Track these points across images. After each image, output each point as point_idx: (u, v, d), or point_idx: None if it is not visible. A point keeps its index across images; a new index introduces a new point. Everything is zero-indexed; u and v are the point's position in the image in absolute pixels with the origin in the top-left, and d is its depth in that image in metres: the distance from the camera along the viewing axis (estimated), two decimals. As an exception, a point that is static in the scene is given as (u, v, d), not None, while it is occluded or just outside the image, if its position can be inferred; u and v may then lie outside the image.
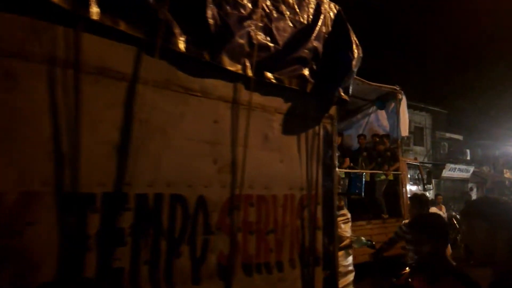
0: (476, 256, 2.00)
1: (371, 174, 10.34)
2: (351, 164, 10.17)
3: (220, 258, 2.70)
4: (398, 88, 10.75)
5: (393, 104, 11.10)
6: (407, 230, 4.69)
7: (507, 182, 31.76)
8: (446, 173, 24.31)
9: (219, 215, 2.72)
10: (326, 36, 3.34)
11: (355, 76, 9.12)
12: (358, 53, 3.35)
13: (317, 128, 3.36)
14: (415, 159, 14.14)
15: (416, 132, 25.34)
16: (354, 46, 3.32)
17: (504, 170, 32.18)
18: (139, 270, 2.36)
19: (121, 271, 2.30)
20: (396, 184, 10.66)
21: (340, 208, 3.90)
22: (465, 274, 2.54)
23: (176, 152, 2.56)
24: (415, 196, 6.03)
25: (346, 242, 4.04)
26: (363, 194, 10.29)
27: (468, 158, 28.70)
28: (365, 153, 10.63)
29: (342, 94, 3.35)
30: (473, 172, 26.82)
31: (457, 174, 25.44)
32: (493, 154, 32.97)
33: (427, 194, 12.53)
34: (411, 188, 11.78)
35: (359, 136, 10.95)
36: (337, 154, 9.69)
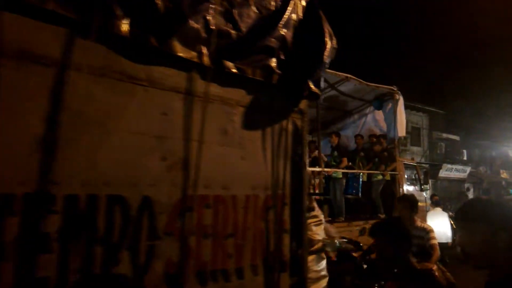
0: (474, 259, 1.85)
1: (368, 174, 9.92)
2: (350, 164, 9.76)
3: (168, 266, 2.30)
4: (395, 89, 10.32)
5: (390, 105, 10.67)
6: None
7: (503, 183, 31.07)
8: (443, 173, 23.70)
9: (168, 218, 2.32)
10: (296, 24, 2.92)
11: (353, 77, 8.84)
12: (332, 44, 2.94)
13: (284, 123, 2.94)
14: (412, 159, 13.66)
15: (413, 132, 24.69)
16: (326, 36, 2.90)
17: (501, 171, 31.46)
18: (68, 279, 1.97)
19: (46, 281, 1.91)
20: (393, 184, 10.23)
21: (311, 209, 3.50)
22: (431, 276, 2.56)
23: (116, 148, 2.17)
24: (405, 197, 5.61)
25: (318, 245, 3.65)
26: (360, 194, 9.89)
27: (465, 158, 27.98)
28: (362, 153, 10.21)
29: (313, 87, 2.92)
30: (470, 172, 26.14)
31: (454, 175, 24.78)
32: (490, 154, 32.23)
33: (424, 194, 12.08)
34: (408, 188, 11.33)
35: (356, 136, 10.54)
36: (335, 154, 9.35)
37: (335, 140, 9.78)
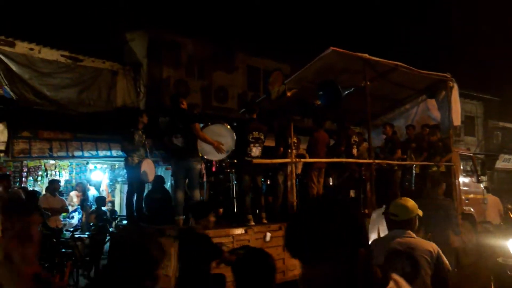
0: None
1: (421, 166, 9.69)
2: (404, 156, 9.54)
3: None
4: (449, 76, 9.99)
5: (444, 93, 10.31)
6: None
7: None
8: (500, 164, 22.74)
9: None
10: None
11: (403, 65, 8.56)
12: None
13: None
14: (468, 149, 13.22)
15: (467, 121, 23.78)
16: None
17: None
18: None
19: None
20: (448, 176, 9.95)
21: None
22: None
23: None
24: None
25: None
26: (413, 186, 9.68)
27: (525, 148, 26.79)
28: (413, 144, 9.95)
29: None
30: (530, 162, 25.02)
31: (512, 165, 23.87)
32: (551, 143, 30.61)
33: (481, 186, 11.60)
34: (464, 180, 10.99)
35: (407, 126, 10.26)
36: (389, 145, 9.13)
37: (389, 131, 9.57)
